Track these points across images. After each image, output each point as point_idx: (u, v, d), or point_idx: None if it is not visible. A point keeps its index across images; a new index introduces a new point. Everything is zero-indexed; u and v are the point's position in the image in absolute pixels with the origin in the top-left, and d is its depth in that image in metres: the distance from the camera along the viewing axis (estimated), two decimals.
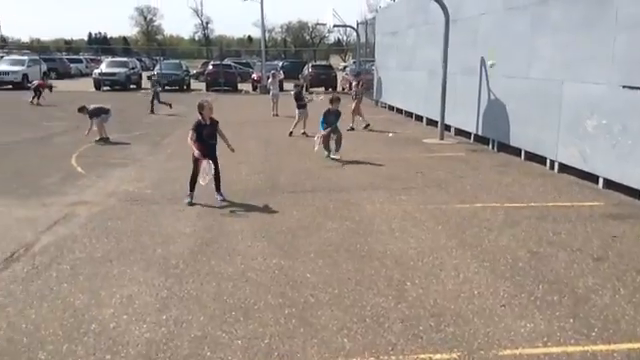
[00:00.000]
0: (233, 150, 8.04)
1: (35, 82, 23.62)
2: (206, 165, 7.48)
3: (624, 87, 8.23)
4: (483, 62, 12.78)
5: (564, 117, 9.76)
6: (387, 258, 5.69)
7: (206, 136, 7.60)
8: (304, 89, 15.98)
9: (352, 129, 15.13)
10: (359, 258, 5.70)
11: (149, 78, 29.71)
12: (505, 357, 3.81)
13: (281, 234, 6.46)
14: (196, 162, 7.59)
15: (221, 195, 7.81)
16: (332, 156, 11.03)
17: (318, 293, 4.84)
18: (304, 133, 14.01)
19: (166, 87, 31.22)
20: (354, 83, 17.41)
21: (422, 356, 3.82)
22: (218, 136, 7.84)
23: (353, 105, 15.95)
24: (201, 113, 7.61)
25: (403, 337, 4.07)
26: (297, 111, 14.45)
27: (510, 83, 11.66)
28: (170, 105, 19.94)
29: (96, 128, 12.91)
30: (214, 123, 7.76)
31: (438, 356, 3.82)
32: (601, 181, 8.82)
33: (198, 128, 7.57)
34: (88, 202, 7.81)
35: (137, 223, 6.83)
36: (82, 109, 13.06)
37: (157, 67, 33.40)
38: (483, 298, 4.74)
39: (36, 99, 22.22)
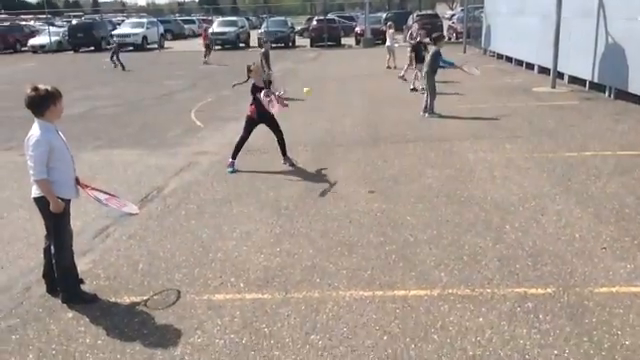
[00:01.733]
0: (284, 92, 7.92)
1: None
2: (268, 100, 7.25)
3: None
4: (601, 4, 11.91)
5: None
6: (487, 203, 5.83)
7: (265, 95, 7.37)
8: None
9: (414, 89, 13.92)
10: (458, 203, 5.89)
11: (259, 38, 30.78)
12: (601, 294, 3.91)
13: (383, 180, 6.77)
14: (250, 127, 7.56)
15: (289, 160, 7.64)
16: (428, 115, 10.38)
17: (417, 233, 5.14)
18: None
19: (272, 44, 32.16)
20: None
21: (517, 290, 4.02)
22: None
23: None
24: (249, 76, 7.55)
25: (499, 273, 4.28)
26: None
27: (630, 25, 10.83)
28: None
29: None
30: (267, 83, 7.70)
31: (533, 290, 4.00)
32: None
33: (256, 90, 7.34)
34: (208, 152, 8.58)
35: (251, 170, 7.45)
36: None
37: (264, 25, 34.31)
38: (584, 241, 4.78)
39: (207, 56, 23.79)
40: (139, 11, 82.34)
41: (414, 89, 13.37)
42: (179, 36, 44.99)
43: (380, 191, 6.38)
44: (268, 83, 7.73)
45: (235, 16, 48.04)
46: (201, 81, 17.74)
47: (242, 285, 4.30)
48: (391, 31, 19.30)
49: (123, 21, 42.94)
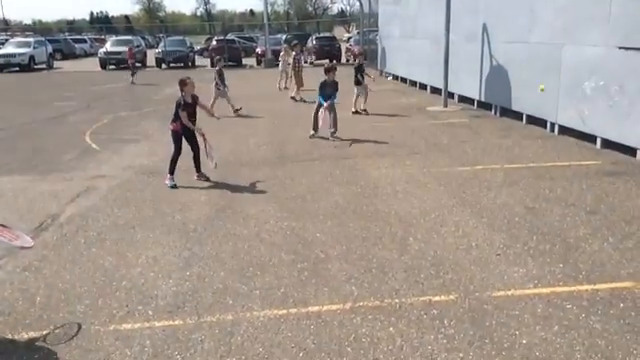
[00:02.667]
0: (217, 118, 8.22)
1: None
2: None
3: (620, 48, 8.45)
4: (485, 29, 12.93)
5: (564, 80, 9.99)
6: (391, 217, 6.07)
7: (190, 114, 7.46)
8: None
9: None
10: (365, 218, 6.08)
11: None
12: (498, 297, 4.20)
13: (291, 199, 6.84)
14: (178, 141, 7.51)
15: (203, 175, 7.72)
16: (330, 137, 10.27)
17: (328, 249, 5.24)
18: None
19: (171, 64, 31.52)
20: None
21: (422, 299, 4.21)
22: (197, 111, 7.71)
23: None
24: (183, 90, 7.38)
25: (405, 284, 4.47)
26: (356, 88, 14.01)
27: (511, 48, 11.85)
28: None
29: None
30: (195, 99, 7.58)
31: (437, 298, 4.21)
32: (599, 141, 9.11)
33: (186, 107, 7.38)
34: (106, 176, 8.21)
35: (154, 193, 7.23)
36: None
37: (161, 44, 33.56)
38: (480, 249, 5.12)
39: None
40: (24, 30, 77.45)
41: (358, 112, 13.37)
42: (70, 56, 42.88)
43: (289, 209, 6.44)
44: (195, 98, 7.61)
45: (130, 35, 46.56)
46: (96, 102, 16.97)
47: (151, 313, 4.14)
48: (282, 53, 19.69)
49: (7, 40, 40.20)
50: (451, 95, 14.60)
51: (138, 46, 34.04)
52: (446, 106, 13.93)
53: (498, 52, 12.48)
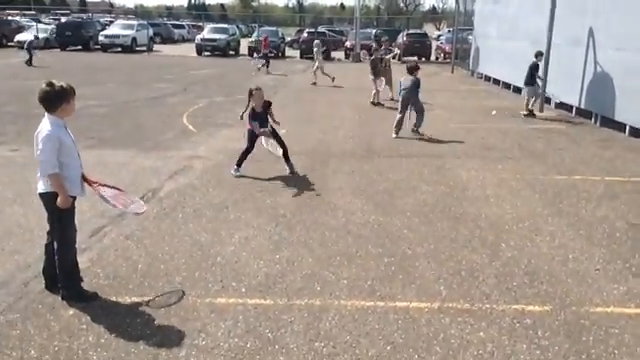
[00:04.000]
0: (278, 123, 7.75)
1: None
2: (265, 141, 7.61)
3: None
4: (591, 33, 12.26)
5: None
6: (481, 220, 5.94)
7: (262, 122, 7.45)
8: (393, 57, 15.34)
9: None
10: (454, 219, 5.99)
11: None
12: (596, 313, 4.01)
13: (378, 193, 6.85)
14: (252, 139, 7.54)
15: (291, 166, 7.68)
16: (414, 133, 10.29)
17: (415, 247, 5.21)
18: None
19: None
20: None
21: (515, 307, 4.10)
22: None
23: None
24: (251, 100, 7.41)
25: (497, 289, 4.37)
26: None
27: (619, 55, 11.16)
28: None
29: None
30: (267, 106, 7.53)
31: (530, 307, 4.09)
32: None
33: (255, 116, 7.43)
34: (202, 157, 8.57)
35: (245, 176, 7.46)
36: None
37: (255, 34, 34.41)
38: (577, 262, 4.91)
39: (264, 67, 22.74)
40: (127, 13, 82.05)
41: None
42: (168, 40, 44.87)
43: (376, 204, 6.45)
44: (267, 105, 7.55)
45: (224, 23, 48.06)
46: (192, 86, 17.72)
47: (244, 290, 4.31)
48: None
49: (111, 22, 42.72)
50: (547, 100, 13.98)
51: (233, 34, 35.09)
52: (542, 111, 13.35)
53: (603, 58, 11.80)
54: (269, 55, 23.72)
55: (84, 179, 4.12)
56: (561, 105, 13.89)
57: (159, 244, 5.19)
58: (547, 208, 6.37)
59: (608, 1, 11.65)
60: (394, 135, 10.22)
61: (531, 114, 12.85)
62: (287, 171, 7.66)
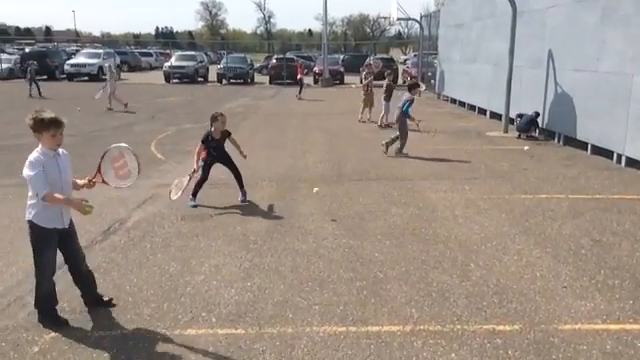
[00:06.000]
0: (245, 157, 7.62)
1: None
2: (183, 181, 7.22)
3: None
4: (550, 55, 12.68)
5: (633, 111, 9.66)
6: (451, 241, 6.00)
7: (214, 149, 7.37)
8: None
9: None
10: (424, 241, 6.04)
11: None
12: (565, 331, 4.07)
13: (349, 217, 6.87)
14: (206, 168, 7.45)
15: (244, 195, 7.58)
16: (401, 152, 10.78)
17: (386, 270, 5.22)
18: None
19: (231, 80, 32.38)
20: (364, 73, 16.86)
21: (486, 327, 4.13)
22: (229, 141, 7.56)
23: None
24: (213, 125, 7.27)
25: (467, 310, 4.40)
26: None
27: (578, 76, 11.56)
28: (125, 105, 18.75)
29: None
30: (225, 136, 7.42)
31: (501, 327, 4.12)
32: None
33: (207, 142, 7.30)
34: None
35: (215, 204, 7.40)
36: None
37: (223, 61, 34.53)
38: (545, 280, 4.99)
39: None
40: (93, 41, 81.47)
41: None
42: (136, 68, 44.70)
43: (347, 228, 6.47)
44: (226, 134, 7.42)
45: (193, 51, 48.14)
46: (160, 113, 17.62)
47: (214, 320, 4.24)
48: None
49: (77, 51, 42.37)
50: (511, 121, 14.33)
51: (201, 61, 35.16)
52: (506, 132, 13.68)
53: (564, 79, 12.20)
54: (303, 82, 23.99)
55: (84, 185, 4.43)
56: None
57: (127, 276, 5.08)
58: (514, 227, 6.49)
59: (564, 25, 12.10)
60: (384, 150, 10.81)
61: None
62: (239, 199, 7.56)
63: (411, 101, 10.74)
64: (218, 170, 7.69)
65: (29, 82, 22.31)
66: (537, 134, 13.12)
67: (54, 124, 3.91)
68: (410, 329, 4.11)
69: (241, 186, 7.65)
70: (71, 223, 4.24)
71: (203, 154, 7.46)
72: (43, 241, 4.00)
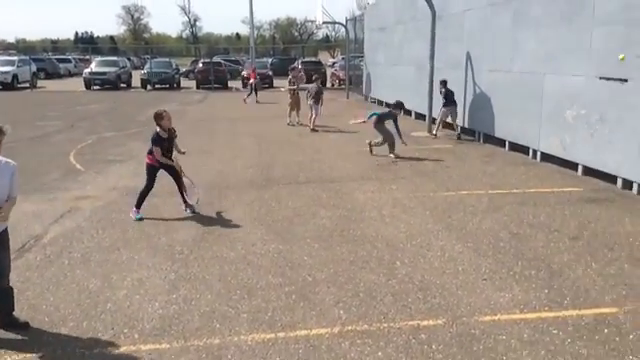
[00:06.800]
0: (184, 153, 7.50)
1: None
2: (189, 180, 7.30)
3: (600, 78, 8.68)
4: (469, 57, 13.20)
5: (545, 108, 10.21)
6: (378, 241, 6.10)
7: (166, 149, 7.09)
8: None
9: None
10: (352, 242, 6.10)
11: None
12: (485, 322, 4.22)
13: (277, 222, 6.84)
14: (152, 175, 7.15)
15: (190, 206, 7.33)
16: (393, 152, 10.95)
17: (315, 273, 5.24)
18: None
19: (156, 85, 31.54)
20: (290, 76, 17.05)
21: (411, 323, 4.22)
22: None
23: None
24: (159, 124, 6.97)
25: (394, 308, 4.48)
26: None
27: (494, 77, 12.10)
28: None
29: None
30: (172, 133, 7.17)
31: (425, 322, 4.23)
32: (580, 168, 9.29)
33: (160, 142, 7.00)
34: (90, 196, 8.14)
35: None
36: None
37: (147, 65, 33.59)
38: (466, 274, 5.16)
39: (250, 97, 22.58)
40: (7, 48, 77.10)
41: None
42: (54, 75, 42.66)
43: (276, 232, 6.43)
44: (172, 132, 7.17)
45: (115, 56, 46.54)
46: (80, 122, 16.89)
47: (137, 336, 4.09)
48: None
49: None
50: (434, 121, 14.78)
51: (124, 67, 34.06)
52: (430, 132, 14.10)
53: (481, 80, 12.73)
54: (257, 86, 23.87)
55: None
56: (448, 126, 14.74)
57: (43, 295, 4.82)
58: (437, 224, 6.68)
59: (480, 28, 12.63)
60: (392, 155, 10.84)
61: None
62: (185, 209, 7.33)
63: (388, 115, 11.11)
64: (140, 179, 7.44)
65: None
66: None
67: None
68: (338, 330, 4.13)
69: (184, 198, 7.32)
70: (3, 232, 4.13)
71: (149, 158, 7.08)
72: None
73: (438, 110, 13.71)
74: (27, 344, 3.97)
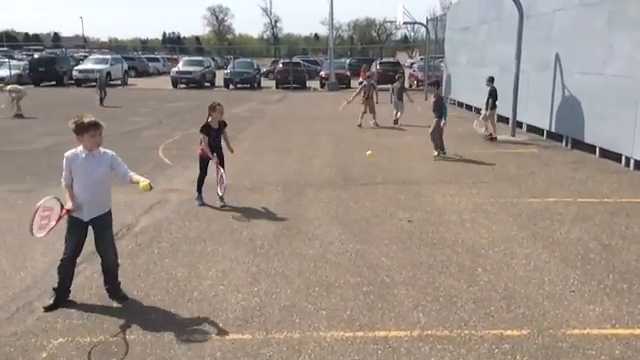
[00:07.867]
0: (232, 151, 7.86)
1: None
2: (222, 175, 7.46)
3: None
4: (558, 58, 12.64)
5: None
6: (458, 245, 5.98)
7: (214, 140, 7.48)
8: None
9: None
10: (431, 245, 6.02)
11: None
12: (573, 336, 4.04)
13: (355, 222, 6.86)
14: (203, 165, 7.62)
15: (222, 200, 7.59)
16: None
17: (393, 274, 5.21)
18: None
19: (238, 85, 32.49)
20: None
21: (494, 332, 4.11)
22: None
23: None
24: (211, 114, 7.40)
25: (475, 315, 4.38)
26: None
27: (585, 80, 11.52)
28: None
29: None
30: (222, 126, 7.56)
31: (509, 332, 4.10)
32: None
33: (208, 131, 7.42)
34: (178, 189, 8.52)
35: (223, 208, 7.42)
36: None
37: (230, 65, 34.67)
38: (553, 284, 4.96)
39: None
40: (101, 47, 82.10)
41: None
42: (143, 73, 44.92)
43: (354, 232, 6.46)
44: (223, 124, 7.56)
45: (200, 56, 48.36)
46: (167, 119, 17.70)
47: (221, 325, 4.24)
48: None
49: (85, 56, 42.66)
50: (519, 124, 14.29)
51: (208, 66, 35.30)
52: (514, 135, 13.64)
53: (571, 83, 12.15)
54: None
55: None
56: (532, 129, 14.20)
57: (134, 281, 5.10)
58: (522, 231, 6.46)
59: (571, 28, 12.06)
60: (435, 153, 10.96)
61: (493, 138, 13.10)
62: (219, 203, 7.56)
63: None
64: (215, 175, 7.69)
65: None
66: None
67: (95, 126, 4.60)
68: (417, 334, 4.09)
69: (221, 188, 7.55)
70: (98, 218, 4.71)
71: (199, 149, 7.61)
72: (69, 226, 4.56)
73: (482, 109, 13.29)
74: (120, 328, 4.22)
